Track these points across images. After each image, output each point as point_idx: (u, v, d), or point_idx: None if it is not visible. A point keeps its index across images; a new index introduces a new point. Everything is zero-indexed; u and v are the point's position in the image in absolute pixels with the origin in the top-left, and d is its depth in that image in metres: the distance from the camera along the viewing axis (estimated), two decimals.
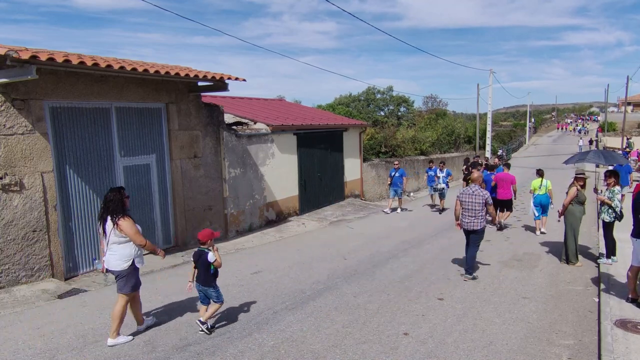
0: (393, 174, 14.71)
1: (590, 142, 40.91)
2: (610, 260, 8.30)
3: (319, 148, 15.09)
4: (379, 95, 40.22)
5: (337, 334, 5.51)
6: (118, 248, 5.29)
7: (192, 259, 5.64)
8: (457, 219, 7.84)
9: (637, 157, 28.31)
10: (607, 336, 5.27)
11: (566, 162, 11.03)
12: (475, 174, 8.11)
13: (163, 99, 9.38)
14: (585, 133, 61.42)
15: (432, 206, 15.86)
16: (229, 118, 12.17)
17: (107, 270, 5.43)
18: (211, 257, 5.40)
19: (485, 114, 32.32)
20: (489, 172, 12.72)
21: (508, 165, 12.43)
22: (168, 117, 9.55)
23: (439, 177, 14.73)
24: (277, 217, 13.13)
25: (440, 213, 14.71)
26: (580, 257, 8.73)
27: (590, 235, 10.87)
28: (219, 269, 5.49)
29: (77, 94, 7.77)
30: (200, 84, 9.88)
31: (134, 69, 7.69)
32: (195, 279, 5.53)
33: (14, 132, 6.95)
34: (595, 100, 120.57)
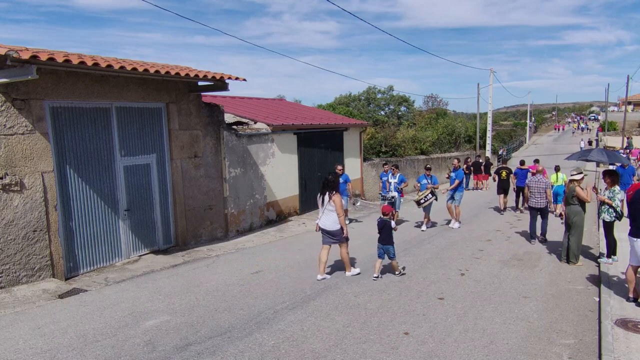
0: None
1: (590, 142, 40.43)
2: (610, 260, 8.30)
3: (319, 148, 15.09)
4: (379, 95, 40.23)
5: (337, 334, 5.51)
6: (330, 214, 7.45)
7: (377, 226, 7.66)
8: (526, 200, 10.70)
9: (638, 157, 28.28)
10: (608, 335, 5.26)
11: (568, 158, 11.81)
12: (540, 167, 11.53)
13: (163, 98, 9.38)
14: (588, 131, 61.47)
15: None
16: (229, 118, 12.17)
17: (321, 229, 7.61)
18: (393, 224, 7.64)
19: (486, 114, 32.33)
20: (520, 168, 15.03)
21: (537, 161, 14.35)
22: (168, 117, 9.56)
23: (390, 183, 12.46)
24: (277, 216, 13.13)
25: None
26: (580, 256, 8.73)
27: (590, 235, 10.87)
28: (394, 232, 7.58)
29: (77, 94, 7.77)
30: (200, 83, 9.89)
31: (134, 69, 7.69)
32: (378, 240, 7.62)
33: (14, 132, 6.96)
34: (596, 100, 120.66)
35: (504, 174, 15.38)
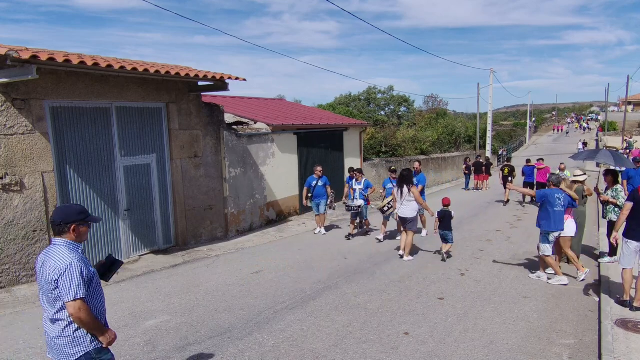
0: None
1: (585, 144, 39.70)
2: (612, 259, 8.28)
3: (319, 148, 15.09)
4: (379, 95, 40.21)
5: (337, 334, 5.51)
6: (409, 204, 8.81)
7: (437, 215, 8.95)
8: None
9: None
10: (608, 336, 5.26)
11: (574, 157, 11.88)
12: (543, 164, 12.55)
13: (163, 98, 9.38)
14: (589, 130, 61.43)
15: (349, 235, 10.97)
16: (229, 118, 12.17)
17: (400, 218, 8.98)
18: (454, 214, 8.94)
19: (486, 114, 32.32)
20: (527, 165, 16.54)
21: (542, 159, 16.46)
22: (168, 117, 9.56)
23: (355, 190, 11.06)
24: (277, 216, 13.13)
25: (366, 235, 11.11)
26: (581, 256, 8.72)
27: (590, 235, 10.86)
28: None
29: (77, 94, 7.77)
30: (200, 83, 9.88)
31: (135, 69, 7.69)
32: (439, 227, 8.96)
33: (14, 132, 6.96)
34: (596, 100, 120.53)
35: (506, 170, 17.17)
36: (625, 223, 6.18)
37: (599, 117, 74.89)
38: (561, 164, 15.63)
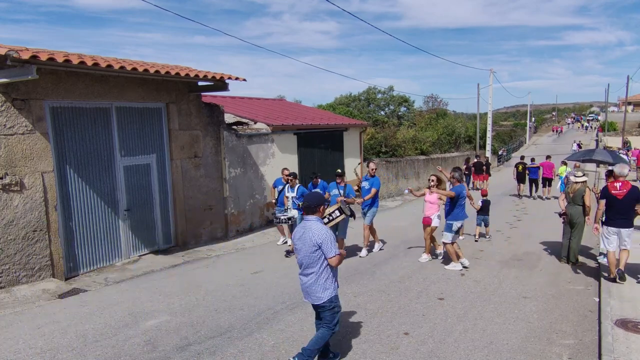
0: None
1: (579, 145, 39.43)
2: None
3: (319, 148, 15.08)
4: (379, 95, 40.20)
5: (337, 334, 5.50)
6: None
7: (480, 203, 10.70)
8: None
9: (638, 157, 28.25)
10: (608, 336, 5.26)
11: (569, 158, 12.16)
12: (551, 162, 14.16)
13: (163, 98, 9.38)
14: (592, 129, 61.41)
15: (288, 252, 9.21)
16: (229, 118, 12.17)
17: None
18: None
19: (486, 114, 32.33)
20: (532, 165, 18.33)
21: (549, 157, 18.49)
22: (168, 117, 9.56)
23: (288, 198, 9.36)
24: None
25: (287, 255, 9.12)
26: (580, 256, 8.73)
27: (590, 235, 10.86)
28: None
29: (77, 94, 7.77)
30: (200, 83, 9.89)
31: (134, 69, 7.69)
32: (478, 212, 10.66)
33: (14, 132, 6.96)
34: (596, 100, 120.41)
35: (520, 167, 18.51)
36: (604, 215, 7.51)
37: (599, 118, 74.85)
38: (562, 160, 18.11)
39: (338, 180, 8.88)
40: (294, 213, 9.24)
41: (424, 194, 8.98)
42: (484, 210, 10.70)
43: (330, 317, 4.54)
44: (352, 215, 8.40)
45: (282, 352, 5.04)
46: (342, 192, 8.68)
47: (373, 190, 9.08)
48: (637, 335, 5.31)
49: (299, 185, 9.43)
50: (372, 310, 6.27)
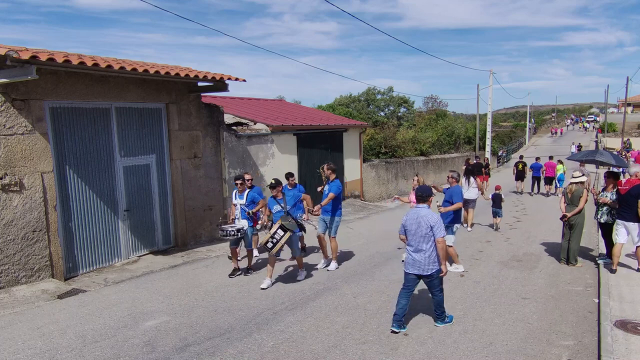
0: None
1: (579, 147, 39.44)
2: (610, 260, 8.28)
3: (319, 148, 15.09)
4: (379, 96, 40.25)
5: (336, 335, 5.51)
6: (473, 189, 11.66)
7: (491, 197, 12.07)
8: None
9: (636, 158, 28.27)
10: (607, 337, 5.26)
11: (570, 158, 13.33)
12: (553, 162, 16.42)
13: (163, 99, 9.38)
14: (593, 130, 61.46)
15: (236, 270, 7.93)
16: (229, 118, 12.18)
17: (465, 199, 9.95)
18: (503, 196, 12.05)
19: (485, 115, 32.32)
20: (536, 163, 19.50)
21: (552, 157, 19.78)
22: (168, 118, 9.56)
23: (236, 207, 7.92)
24: None
25: (246, 274, 7.88)
26: (579, 257, 8.73)
27: (589, 236, 10.87)
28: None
29: (77, 94, 7.77)
30: (200, 84, 9.89)
31: (134, 69, 7.69)
32: (492, 206, 12.01)
33: (14, 132, 6.96)
34: (595, 101, 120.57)
35: (520, 165, 19.52)
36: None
37: (598, 119, 74.88)
38: (559, 160, 19.35)
39: (273, 193, 7.33)
40: (243, 224, 7.69)
41: (408, 200, 9.14)
42: (495, 203, 11.92)
43: (438, 282, 5.60)
44: (302, 229, 7.51)
45: (281, 353, 5.04)
46: (282, 204, 7.37)
47: (330, 195, 7.81)
48: (636, 337, 5.31)
49: (249, 191, 7.92)
50: (372, 311, 6.27)
